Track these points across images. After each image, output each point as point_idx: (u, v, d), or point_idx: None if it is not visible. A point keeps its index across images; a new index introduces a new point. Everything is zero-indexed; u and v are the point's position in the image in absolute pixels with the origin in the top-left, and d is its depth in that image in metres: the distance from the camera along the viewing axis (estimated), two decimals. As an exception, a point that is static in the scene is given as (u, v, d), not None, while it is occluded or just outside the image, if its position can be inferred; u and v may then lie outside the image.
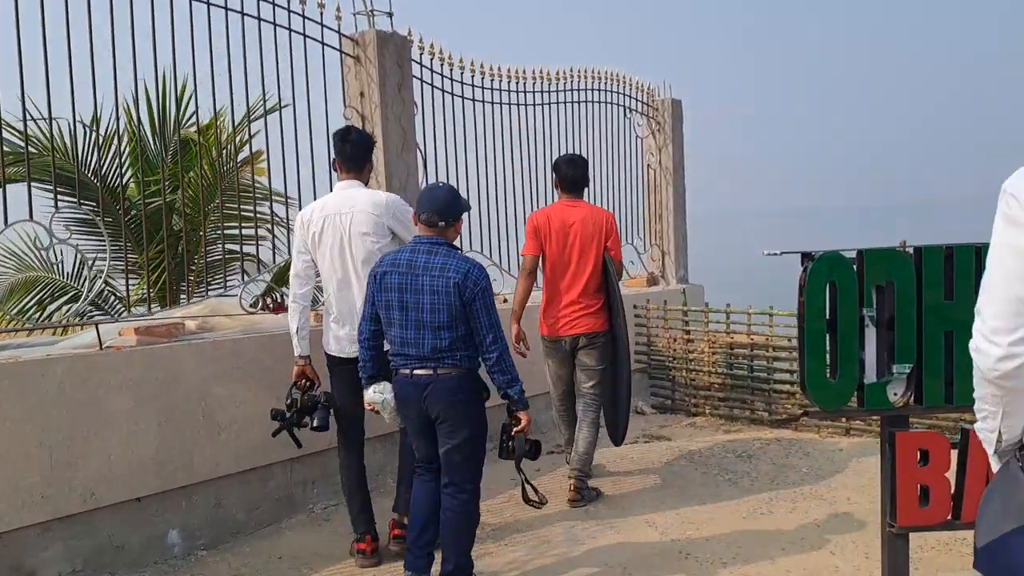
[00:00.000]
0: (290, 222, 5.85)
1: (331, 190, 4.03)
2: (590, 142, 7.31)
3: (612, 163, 7.63)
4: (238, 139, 6.81)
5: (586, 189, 4.95)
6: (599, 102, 7.45)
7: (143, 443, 3.83)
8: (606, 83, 7.51)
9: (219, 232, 6.98)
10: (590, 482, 4.73)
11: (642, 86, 7.98)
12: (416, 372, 3.22)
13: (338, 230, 3.75)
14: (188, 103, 6.55)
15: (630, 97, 7.84)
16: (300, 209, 5.36)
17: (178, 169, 6.70)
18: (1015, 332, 1.53)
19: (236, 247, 7.05)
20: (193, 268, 6.92)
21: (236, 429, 4.20)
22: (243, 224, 6.66)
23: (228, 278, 7.18)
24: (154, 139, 6.78)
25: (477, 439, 3.32)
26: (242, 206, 6.58)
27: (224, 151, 6.62)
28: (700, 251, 9.19)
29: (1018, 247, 1.52)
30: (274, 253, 5.02)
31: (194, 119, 6.80)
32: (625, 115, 7.81)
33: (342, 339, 3.83)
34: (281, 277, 7.43)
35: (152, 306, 4.58)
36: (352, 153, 3.90)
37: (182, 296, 7.01)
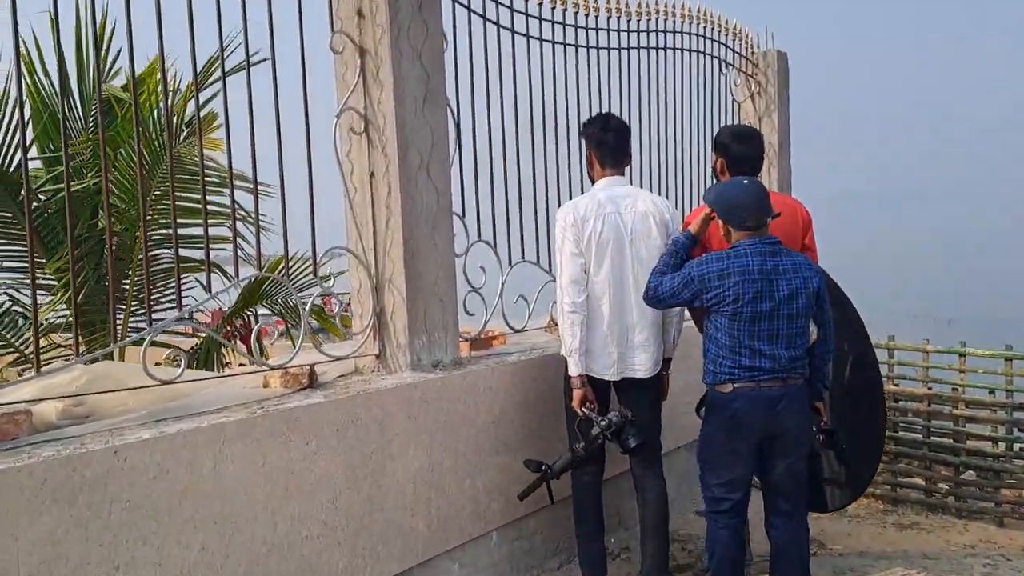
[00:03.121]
0: (254, 216, 3.93)
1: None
2: (674, 104, 5.28)
3: (701, 134, 5.58)
4: (182, 98, 4.83)
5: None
6: (688, 50, 5.41)
7: None
8: (699, 25, 5.47)
9: (165, 231, 5.00)
10: None
11: (740, 32, 5.93)
12: (764, 384, 2.99)
13: (620, 232, 3.29)
14: (111, 41, 4.60)
15: (727, 47, 5.80)
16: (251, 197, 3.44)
17: (98, 141, 4.74)
18: None
19: (192, 253, 5.14)
20: (127, 281, 4.97)
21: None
22: (187, 220, 4.75)
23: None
24: (64, 99, 4.77)
25: (807, 456, 3.17)
26: (191, 194, 4.62)
27: (169, 113, 4.65)
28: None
29: None
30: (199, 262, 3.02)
31: (121, 69, 4.86)
32: (721, 70, 5.78)
33: (608, 360, 3.30)
34: (253, 293, 5.46)
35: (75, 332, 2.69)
36: (616, 143, 3.40)
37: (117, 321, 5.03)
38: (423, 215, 3.29)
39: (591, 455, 3.27)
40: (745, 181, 3.12)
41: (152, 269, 4.82)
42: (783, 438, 3.05)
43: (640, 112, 4.83)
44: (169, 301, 5.00)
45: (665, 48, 5.15)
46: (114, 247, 4.87)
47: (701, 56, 5.54)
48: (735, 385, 3.02)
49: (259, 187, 3.37)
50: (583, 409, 3.26)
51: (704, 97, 5.59)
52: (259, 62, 3.47)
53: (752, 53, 6.08)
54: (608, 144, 3.38)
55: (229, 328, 5.10)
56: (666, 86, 5.17)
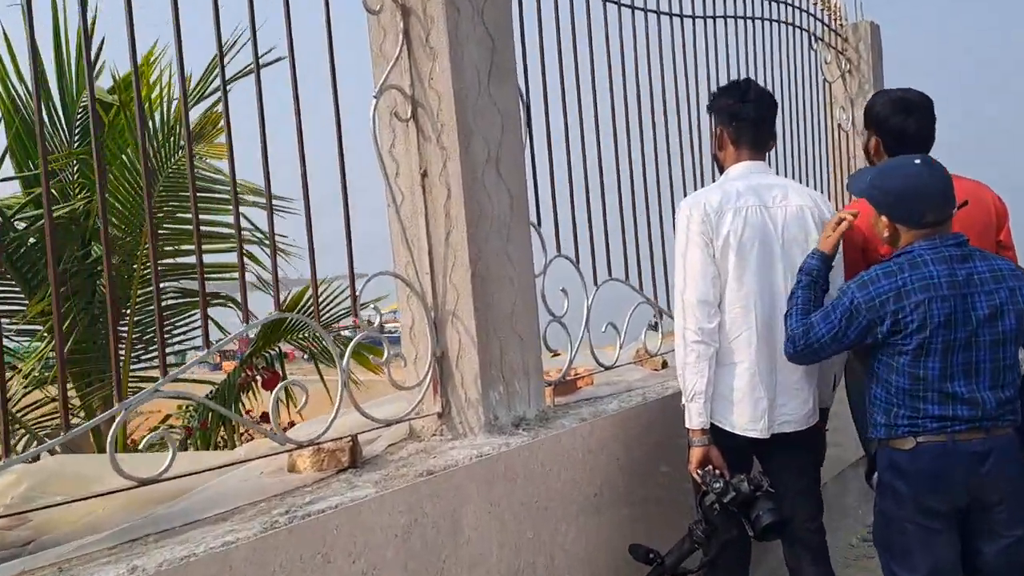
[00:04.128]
0: (263, 237, 3.14)
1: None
2: (765, 84, 4.41)
3: (786, 117, 4.71)
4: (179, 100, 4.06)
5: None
6: (778, 21, 4.57)
7: None
8: (787, -9, 4.63)
9: (169, 260, 4.20)
10: None
11: (828, 1, 5.09)
12: (961, 438, 2.21)
13: (768, 233, 2.42)
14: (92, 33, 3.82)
15: (816, 18, 4.95)
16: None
17: (89, 156, 3.97)
18: None
19: (194, 284, 4.34)
20: (125, 323, 4.17)
21: None
22: (189, 248, 3.98)
23: (188, 336, 4.38)
24: (48, 105, 4.00)
25: None
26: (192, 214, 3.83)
27: (166, 122, 3.90)
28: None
29: None
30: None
31: (105, 64, 4.08)
32: (811, 45, 4.93)
33: (756, 410, 2.41)
34: (276, 328, 4.65)
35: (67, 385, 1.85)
36: (758, 117, 2.56)
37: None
38: (494, 225, 2.46)
39: (727, 542, 2.38)
40: (917, 160, 2.34)
41: (151, 308, 4.02)
42: (994, 509, 2.28)
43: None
44: (174, 342, 4.22)
45: (754, 18, 4.31)
46: (109, 281, 4.10)
47: (790, 29, 4.70)
48: (919, 439, 2.25)
49: (274, 202, 2.55)
50: (698, 472, 2.41)
51: (794, 78, 4.74)
52: (268, 51, 2.70)
53: (841, 26, 5.23)
54: (747, 118, 2.56)
55: (248, 373, 4.28)
56: (755, 63, 4.33)
